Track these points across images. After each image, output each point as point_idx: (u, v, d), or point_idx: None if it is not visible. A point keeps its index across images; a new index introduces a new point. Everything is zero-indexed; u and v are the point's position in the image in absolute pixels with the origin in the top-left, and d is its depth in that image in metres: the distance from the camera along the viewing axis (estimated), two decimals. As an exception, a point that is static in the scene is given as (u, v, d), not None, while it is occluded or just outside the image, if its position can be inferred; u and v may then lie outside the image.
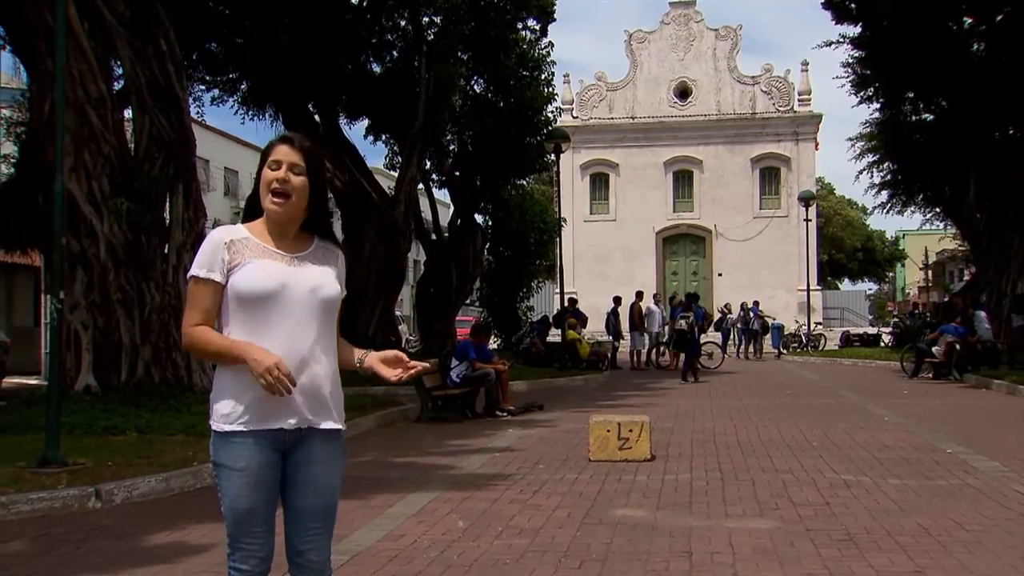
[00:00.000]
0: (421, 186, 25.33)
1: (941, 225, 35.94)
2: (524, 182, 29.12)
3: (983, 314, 20.58)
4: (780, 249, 43.26)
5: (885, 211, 33.18)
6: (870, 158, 31.75)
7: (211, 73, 21.87)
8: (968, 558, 5.29)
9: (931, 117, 27.29)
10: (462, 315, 30.71)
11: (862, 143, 31.98)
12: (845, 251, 63.81)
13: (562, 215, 26.85)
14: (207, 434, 3.01)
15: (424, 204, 26.33)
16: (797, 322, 37.02)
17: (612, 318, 26.63)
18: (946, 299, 35.62)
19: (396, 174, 24.46)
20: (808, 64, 45.44)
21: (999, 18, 22.50)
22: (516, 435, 11.32)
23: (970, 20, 23.76)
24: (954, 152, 24.86)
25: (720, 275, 43.71)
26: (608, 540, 5.84)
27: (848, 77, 26.88)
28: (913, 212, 33.83)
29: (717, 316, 33.45)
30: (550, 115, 25.09)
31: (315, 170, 2.99)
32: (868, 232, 68.16)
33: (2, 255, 19.30)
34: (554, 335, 25.33)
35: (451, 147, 25.85)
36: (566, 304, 24.49)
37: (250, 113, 22.98)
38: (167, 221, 13.54)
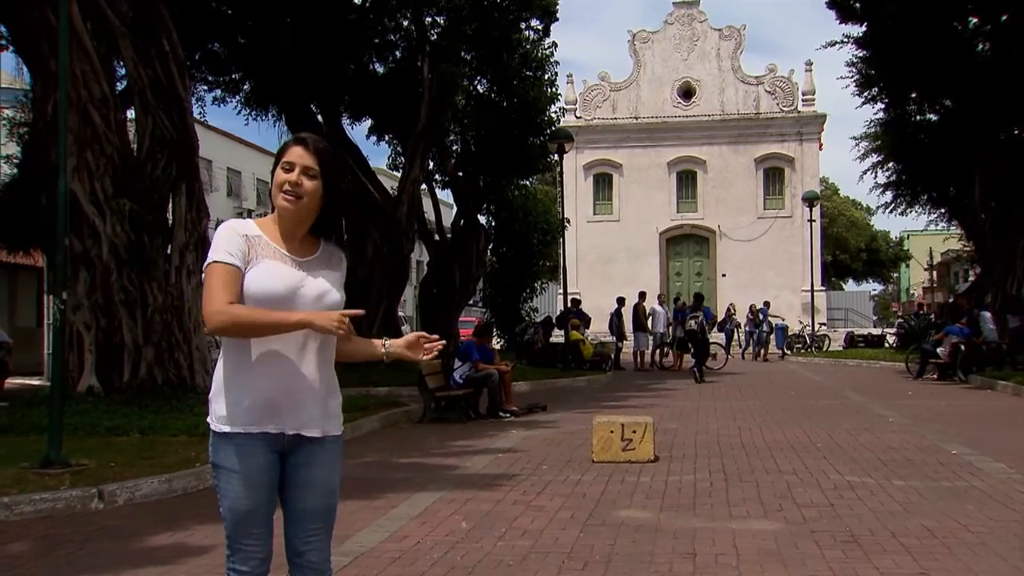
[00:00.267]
0: (424, 186, 25.30)
1: (946, 225, 35.88)
2: (527, 182, 29.06)
3: (988, 315, 20.50)
4: (784, 250, 43.20)
5: (889, 210, 33.17)
6: (874, 158, 31.70)
7: (214, 73, 21.88)
8: (973, 560, 5.27)
9: (936, 117, 27.24)
10: (465, 316, 30.69)
11: (866, 143, 31.92)
12: (849, 251, 63.70)
13: (565, 215, 26.79)
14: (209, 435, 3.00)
15: (427, 204, 26.32)
16: (801, 323, 36.96)
17: (615, 319, 26.62)
18: (951, 300, 35.54)
19: (399, 174, 24.45)
20: (812, 64, 45.45)
21: (1004, 18, 22.45)
22: (519, 436, 11.30)
23: (975, 20, 23.71)
24: (959, 152, 24.81)
25: (724, 276, 43.67)
26: (611, 541, 5.82)
27: (852, 77, 26.86)
28: (918, 213, 33.77)
29: (722, 316, 33.41)
30: (553, 115, 25.04)
31: (328, 173, 2.96)
32: (872, 232, 68.06)
33: (5, 255, 19.35)
34: (557, 336, 25.30)
35: (454, 147, 25.83)
36: (569, 305, 24.47)
37: (253, 113, 23.04)
38: (170, 222, 13.53)
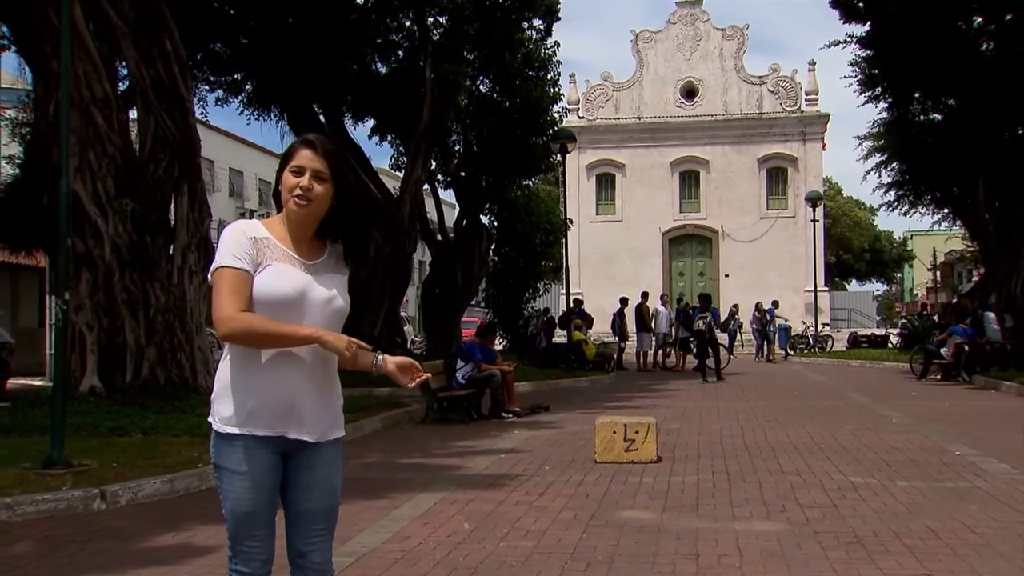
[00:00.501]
0: (427, 187, 25.30)
1: (950, 225, 35.78)
2: (530, 182, 29.05)
3: (992, 315, 20.46)
4: (787, 250, 43.15)
5: (892, 210, 33.10)
6: (878, 158, 31.57)
7: (216, 73, 21.88)
8: (977, 561, 5.25)
9: (940, 117, 27.17)
10: (467, 316, 30.68)
11: (870, 143, 31.81)
12: (853, 252, 63.61)
13: (568, 216, 26.76)
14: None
15: (430, 205, 26.32)
16: (804, 323, 36.89)
17: (618, 319, 26.60)
18: (955, 300, 35.47)
19: (401, 175, 24.45)
20: (815, 64, 45.32)
21: (1008, 17, 22.40)
22: (522, 436, 11.29)
23: (979, 19, 23.66)
24: (963, 152, 24.74)
25: (727, 276, 43.62)
26: (614, 542, 5.80)
27: (856, 77, 26.76)
28: (922, 213, 33.68)
29: (725, 316, 33.32)
30: (556, 115, 25.02)
31: (338, 175, 2.95)
32: (876, 232, 67.98)
33: (7, 256, 19.37)
34: (560, 336, 25.27)
35: (457, 147, 25.82)
36: (571, 305, 24.46)
37: (255, 114, 23.03)
38: (172, 222, 13.53)
